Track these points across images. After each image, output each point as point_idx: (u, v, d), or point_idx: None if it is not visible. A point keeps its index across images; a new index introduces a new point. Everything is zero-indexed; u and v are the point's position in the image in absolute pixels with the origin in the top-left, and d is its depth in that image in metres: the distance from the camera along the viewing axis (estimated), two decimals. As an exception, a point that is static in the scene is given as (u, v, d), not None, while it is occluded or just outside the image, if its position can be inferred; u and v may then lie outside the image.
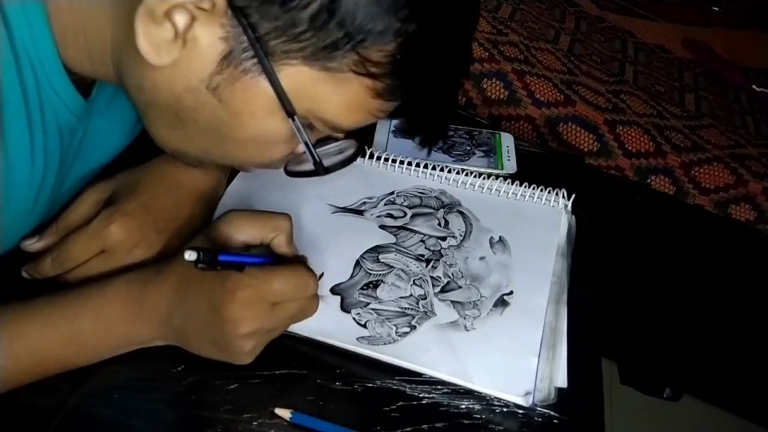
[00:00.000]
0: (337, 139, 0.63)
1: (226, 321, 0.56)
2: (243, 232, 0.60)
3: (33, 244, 0.65)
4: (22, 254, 0.65)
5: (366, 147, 0.86)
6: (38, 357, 0.57)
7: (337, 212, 0.78)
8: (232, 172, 0.78)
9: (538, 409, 0.62)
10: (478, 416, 0.61)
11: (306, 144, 0.56)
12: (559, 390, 0.63)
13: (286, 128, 0.55)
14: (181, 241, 0.66)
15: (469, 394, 0.62)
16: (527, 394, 0.62)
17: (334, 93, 0.53)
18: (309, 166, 0.60)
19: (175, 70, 0.52)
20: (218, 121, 0.55)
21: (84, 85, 0.62)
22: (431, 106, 0.59)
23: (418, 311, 0.68)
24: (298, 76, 0.52)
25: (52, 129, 0.59)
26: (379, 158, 0.85)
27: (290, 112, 0.54)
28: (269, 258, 0.60)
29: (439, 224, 0.78)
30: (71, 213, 0.66)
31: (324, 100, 0.54)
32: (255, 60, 0.51)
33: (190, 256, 0.52)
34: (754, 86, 1.74)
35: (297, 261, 0.62)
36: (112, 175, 0.68)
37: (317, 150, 0.58)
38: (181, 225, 0.67)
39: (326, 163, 0.60)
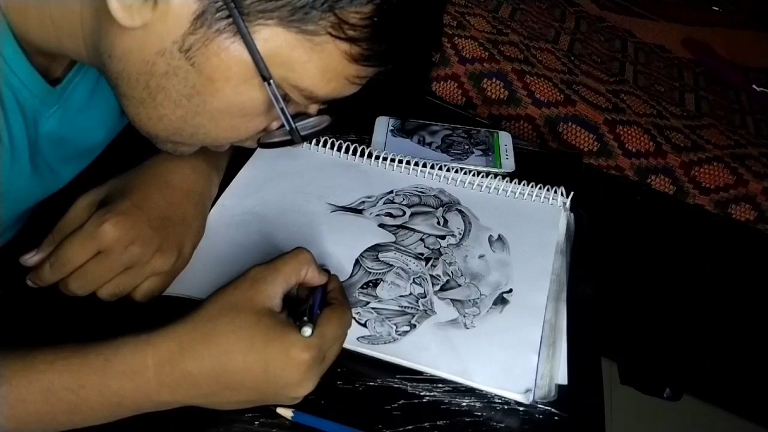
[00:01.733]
0: (310, 116, 0.61)
1: (288, 387, 0.55)
2: (279, 288, 0.58)
3: (31, 258, 0.64)
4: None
5: (365, 146, 0.86)
6: (43, 421, 0.53)
7: (336, 211, 0.78)
8: (228, 173, 0.79)
9: (539, 406, 0.62)
10: (479, 414, 0.61)
11: (282, 110, 0.55)
12: (560, 387, 0.63)
13: (262, 97, 0.54)
14: (176, 239, 0.66)
15: (469, 392, 0.63)
16: (527, 391, 0.62)
17: (311, 59, 0.52)
18: (282, 136, 0.59)
19: (148, 33, 0.51)
20: (190, 90, 0.54)
21: (53, 77, 0.62)
22: (406, 71, 0.59)
23: (417, 310, 0.68)
24: (273, 39, 0.51)
25: (12, 107, 0.58)
26: (377, 157, 0.85)
27: (266, 77, 0.52)
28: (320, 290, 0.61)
29: (438, 223, 0.78)
30: (65, 220, 0.65)
31: (300, 66, 0.53)
32: (229, 20, 0.50)
33: (306, 332, 0.54)
34: (754, 86, 1.74)
35: (332, 287, 0.62)
36: (103, 181, 0.68)
37: (306, 125, 0.58)
38: (176, 223, 0.67)
39: (302, 133, 0.59)
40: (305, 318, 0.55)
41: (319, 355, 0.56)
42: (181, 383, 0.54)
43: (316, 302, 0.58)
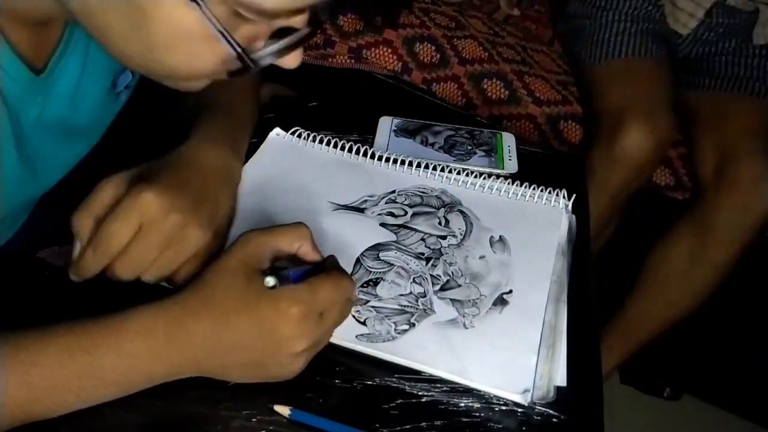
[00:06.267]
0: (294, 31, 0.55)
1: (282, 341, 0.56)
2: (268, 250, 0.60)
3: (75, 251, 0.62)
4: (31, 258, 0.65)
5: (367, 146, 0.86)
6: (55, 388, 0.54)
7: (338, 210, 0.78)
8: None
9: (537, 407, 0.62)
10: (477, 414, 0.61)
11: (221, 32, 0.50)
12: (559, 388, 0.63)
13: (202, 20, 0.50)
14: (212, 218, 0.66)
15: (468, 392, 0.63)
16: (526, 392, 0.62)
17: None
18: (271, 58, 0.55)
19: None
20: (130, 22, 0.51)
21: (37, 68, 0.62)
22: None
23: (417, 309, 0.68)
24: None
25: None
26: (380, 158, 0.85)
27: None
28: (311, 265, 0.62)
29: (440, 223, 0.78)
30: (93, 201, 0.63)
31: None
32: None
33: (268, 282, 0.56)
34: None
35: (330, 263, 0.63)
36: (104, 177, 0.66)
37: (265, 50, 0.54)
38: (211, 204, 0.67)
39: (258, 57, 0.54)
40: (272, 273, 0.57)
41: (311, 312, 0.57)
42: (188, 345, 0.56)
43: (298, 268, 0.60)
